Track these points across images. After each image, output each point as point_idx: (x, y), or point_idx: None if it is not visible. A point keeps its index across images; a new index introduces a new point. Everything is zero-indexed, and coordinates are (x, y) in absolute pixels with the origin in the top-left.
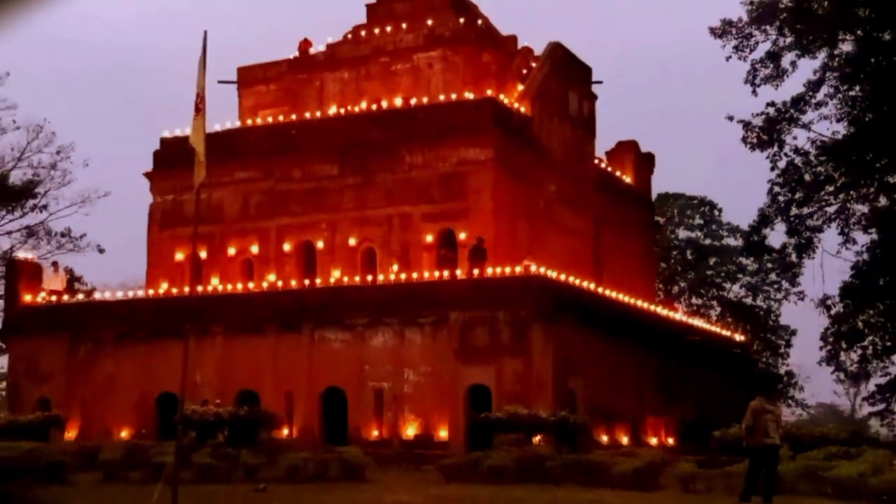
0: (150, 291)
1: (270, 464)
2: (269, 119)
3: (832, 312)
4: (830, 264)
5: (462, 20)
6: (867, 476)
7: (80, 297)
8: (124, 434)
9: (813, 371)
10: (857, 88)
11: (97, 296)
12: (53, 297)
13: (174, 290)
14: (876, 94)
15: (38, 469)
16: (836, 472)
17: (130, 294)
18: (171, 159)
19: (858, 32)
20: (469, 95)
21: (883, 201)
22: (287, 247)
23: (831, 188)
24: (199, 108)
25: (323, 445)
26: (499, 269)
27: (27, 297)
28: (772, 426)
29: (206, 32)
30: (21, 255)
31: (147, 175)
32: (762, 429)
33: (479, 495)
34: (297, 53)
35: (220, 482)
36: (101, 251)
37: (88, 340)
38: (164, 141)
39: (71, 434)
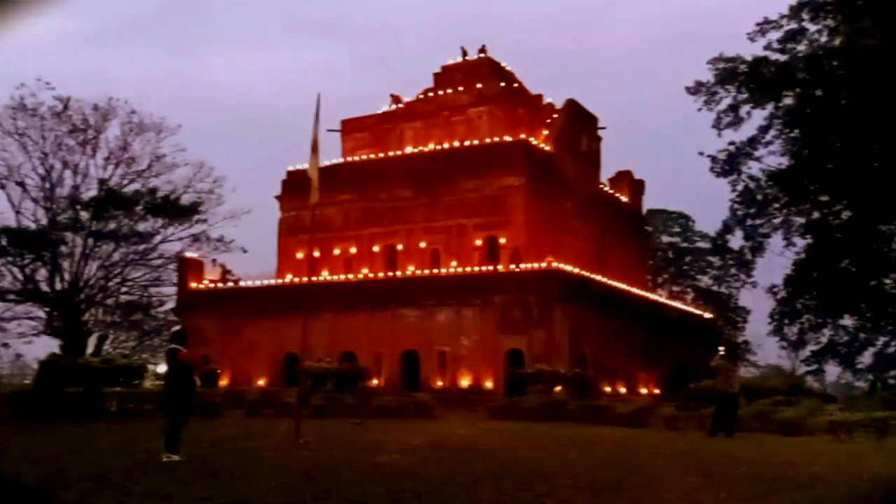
0: (280, 280)
1: (365, 405)
2: (364, 157)
3: (778, 297)
4: (777, 261)
5: (502, 84)
6: (804, 417)
7: (231, 284)
8: (261, 382)
9: (763, 340)
10: (796, 131)
11: (242, 283)
12: (212, 284)
13: (296, 280)
14: (809, 136)
15: (201, 406)
16: (780, 415)
17: (266, 282)
18: (293, 186)
19: (797, 90)
20: (507, 139)
21: (815, 215)
22: (376, 248)
23: (777, 205)
24: (315, 149)
25: (402, 391)
26: (529, 265)
27: (193, 284)
28: (733, 379)
29: (318, 95)
30: (188, 254)
31: (277, 197)
32: (726, 381)
33: (515, 428)
34: (386, 106)
35: (329, 417)
36: (245, 251)
37: (236, 315)
38: (289, 173)
39: (224, 382)
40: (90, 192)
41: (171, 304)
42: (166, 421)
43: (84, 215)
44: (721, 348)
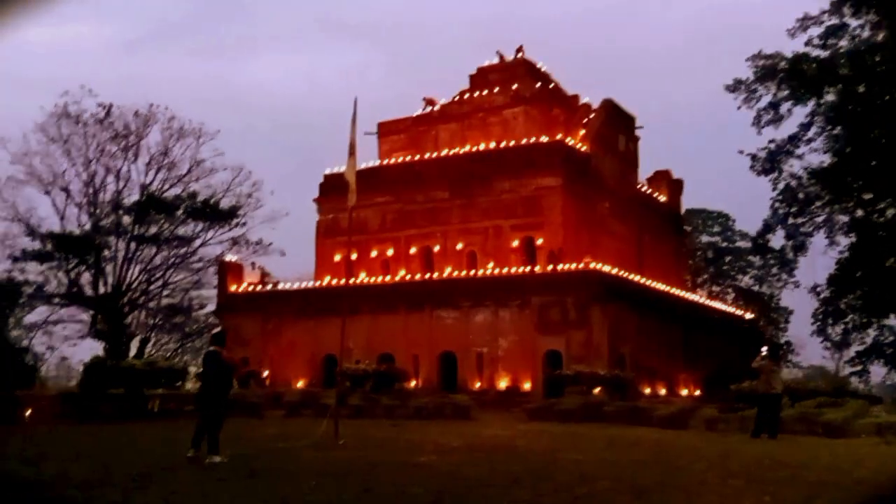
0: (318, 282)
1: (403, 406)
2: (400, 159)
3: (821, 297)
4: (820, 261)
5: (538, 84)
6: (849, 419)
7: (269, 286)
8: (300, 383)
9: (806, 341)
10: (839, 128)
11: (281, 286)
12: (251, 287)
13: (334, 282)
14: (852, 133)
15: (242, 406)
16: (824, 417)
17: (304, 284)
18: (330, 189)
19: (839, 86)
20: (544, 139)
21: (859, 213)
22: (413, 250)
23: (819, 203)
24: (352, 152)
25: (440, 393)
26: (566, 266)
27: (233, 287)
28: (776, 380)
29: (356, 99)
30: (228, 258)
31: (315, 200)
32: (768, 382)
33: (553, 430)
34: (420, 109)
35: (367, 418)
36: (283, 254)
37: (275, 317)
38: (325, 177)
39: None
40: (132, 196)
41: (211, 307)
42: (201, 420)
43: (126, 220)
44: (763, 349)
